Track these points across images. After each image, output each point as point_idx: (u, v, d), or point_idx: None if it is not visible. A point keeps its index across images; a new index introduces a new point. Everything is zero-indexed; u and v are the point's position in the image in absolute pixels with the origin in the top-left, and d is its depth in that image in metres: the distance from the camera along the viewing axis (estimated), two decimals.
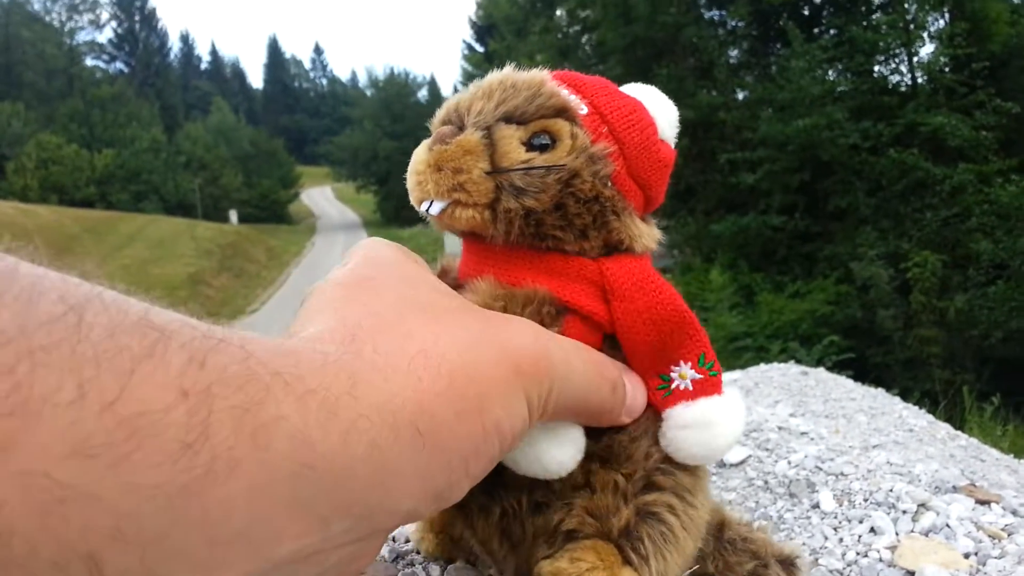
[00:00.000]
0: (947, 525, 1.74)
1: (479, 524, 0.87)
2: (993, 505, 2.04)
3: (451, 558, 1.00)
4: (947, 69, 15.14)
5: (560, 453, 0.78)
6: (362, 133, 46.21)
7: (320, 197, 61.52)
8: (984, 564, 1.59)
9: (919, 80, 16.14)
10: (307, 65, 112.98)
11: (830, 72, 16.37)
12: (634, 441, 0.84)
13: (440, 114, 0.89)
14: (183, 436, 0.34)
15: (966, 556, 1.61)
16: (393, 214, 40.86)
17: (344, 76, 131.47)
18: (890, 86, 16.53)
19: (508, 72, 0.90)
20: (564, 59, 25.32)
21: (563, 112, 0.85)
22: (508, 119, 0.84)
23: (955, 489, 2.05)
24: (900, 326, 12.94)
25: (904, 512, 1.87)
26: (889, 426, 4.12)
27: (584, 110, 0.88)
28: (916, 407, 5.12)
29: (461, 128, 0.84)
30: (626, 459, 0.84)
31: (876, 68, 16.85)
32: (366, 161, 44.72)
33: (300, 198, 57.48)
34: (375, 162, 43.50)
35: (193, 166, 48.71)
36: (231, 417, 0.36)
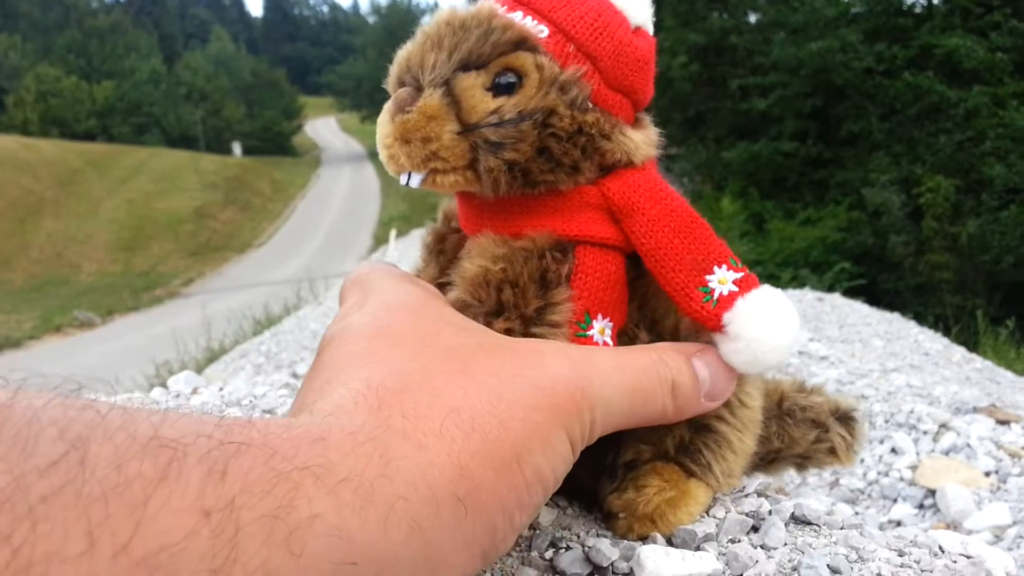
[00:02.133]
0: (968, 445, 1.73)
1: None
2: (1013, 425, 2.04)
3: None
4: None
5: None
6: (365, 62, 45.53)
7: (324, 128, 60.93)
8: (1005, 482, 1.59)
9: (934, 0, 15.76)
10: None
11: None
12: None
13: (392, 73, 0.83)
14: (209, 564, 0.32)
15: (987, 475, 1.60)
16: None
17: (345, 3, 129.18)
18: (905, 7, 16.14)
19: (452, 11, 0.83)
20: None
21: (522, 43, 0.79)
22: (465, 66, 0.78)
23: (975, 410, 2.04)
24: (912, 252, 12.90)
25: (925, 432, 1.86)
26: (905, 350, 4.12)
27: (544, 32, 0.81)
28: (931, 331, 5.12)
29: (419, 88, 0.78)
30: None
31: None
32: (370, 91, 44.13)
33: (304, 130, 56.98)
34: (380, 92, 42.47)
35: (194, 97, 48.21)
36: (261, 528, 0.34)
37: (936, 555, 0.80)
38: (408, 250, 6.30)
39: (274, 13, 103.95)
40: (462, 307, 0.78)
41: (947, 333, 5.63)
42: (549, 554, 0.79)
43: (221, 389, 1.52)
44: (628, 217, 0.80)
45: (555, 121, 0.77)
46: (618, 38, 0.84)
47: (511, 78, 0.78)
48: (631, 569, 0.73)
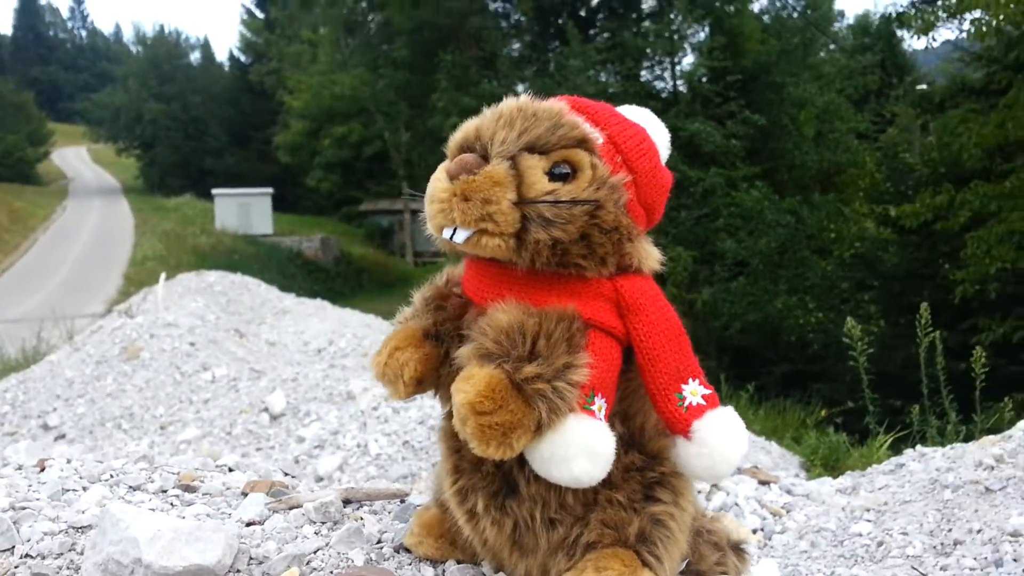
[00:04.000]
0: (736, 504, 1.96)
1: (492, 535, 0.94)
2: (772, 485, 2.30)
3: (446, 559, 1.07)
4: (705, 79, 16.35)
5: (594, 469, 0.85)
6: (125, 92, 42.82)
7: (74, 158, 56.42)
8: (770, 539, 1.82)
9: (680, 88, 17.32)
10: (64, 14, 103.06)
11: (602, 74, 17.21)
12: (627, 469, 0.92)
13: (457, 138, 0.94)
14: None
15: (754, 531, 1.83)
16: (158, 181, 38.20)
17: (107, 29, 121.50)
18: (655, 91, 17.62)
19: (527, 100, 0.95)
20: (350, 35, 24.86)
21: (583, 142, 0.91)
22: (531, 148, 0.89)
23: (740, 471, 2.29)
24: None
25: (700, 492, 2.07)
26: None
27: (600, 139, 0.93)
28: None
29: (485, 156, 0.89)
30: (622, 481, 0.92)
31: (643, 73, 17.92)
32: (129, 123, 41.49)
33: (51, 158, 52.46)
34: (139, 124, 40.41)
35: None
36: None
37: None
38: (179, 297, 5.99)
39: (24, 32, 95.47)
40: (483, 355, 0.87)
41: None
42: None
43: (69, 461, 1.47)
44: (634, 315, 0.92)
45: (602, 214, 0.89)
46: (654, 162, 0.98)
47: (566, 169, 0.89)
48: None
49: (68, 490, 1.30)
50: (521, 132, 0.89)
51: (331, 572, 1.04)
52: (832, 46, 20.44)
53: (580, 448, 0.83)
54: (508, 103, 0.95)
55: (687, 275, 13.75)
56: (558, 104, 0.93)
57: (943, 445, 3.09)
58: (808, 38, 17.03)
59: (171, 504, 1.29)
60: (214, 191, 27.17)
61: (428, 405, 2.81)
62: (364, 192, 31.08)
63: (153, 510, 1.24)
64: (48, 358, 5.26)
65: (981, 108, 10.73)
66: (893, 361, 8.56)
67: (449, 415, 0.97)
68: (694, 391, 0.92)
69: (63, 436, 4.08)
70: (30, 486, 1.32)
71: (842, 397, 7.84)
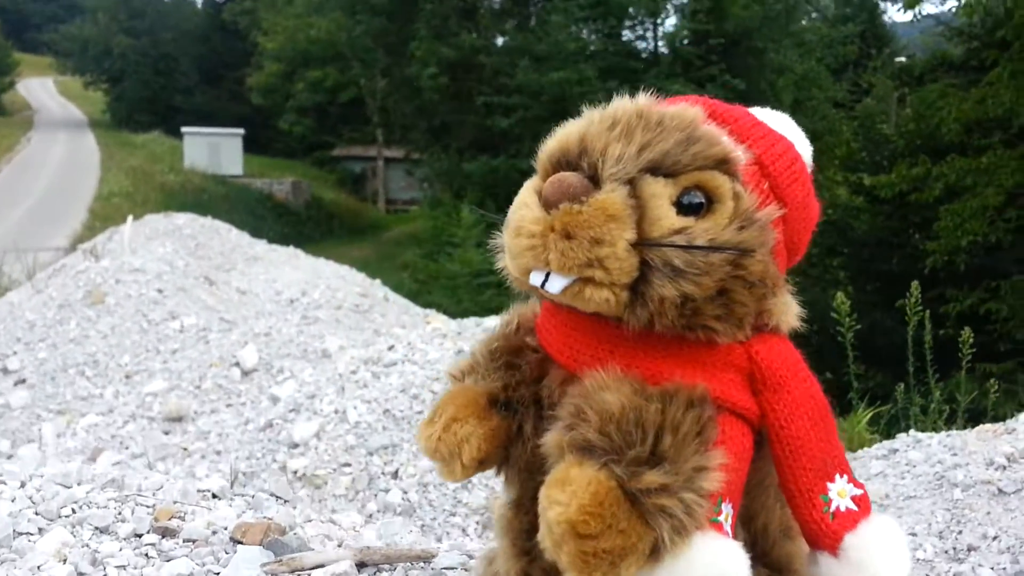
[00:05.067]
0: None
1: None
2: None
3: None
4: (687, 42, 16.21)
5: None
6: (95, 25, 41.71)
7: (40, 89, 54.91)
8: None
9: (661, 50, 17.18)
10: None
11: (584, 31, 17.02)
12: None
13: (553, 149, 0.71)
14: None
15: None
16: (125, 117, 37.28)
17: None
18: (636, 51, 17.47)
19: (648, 103, 0.71)
20: None
21: (723, 163, 0.67)
22: (655, 170, 0.65)
23: None
24: None
25: None
26: None
27: (744, 160, 0.69)
28: None
29: (593, 178, 0.65)
30: None
31: (625, 33, 17.75)
32: (97, 56, 40.35)
33: (16, 88, 51.05)
34: (108, 58, 39.37)
35: None
36: None
37: None
38: (147, 240, 5.81)
39: None
40: (584, 449, 0.65)
41: None
42: None
43: (23, 485, 1.25)
44: (773, 392, 0.70)
45: (748, 263, 0.66)
46: (807, 189, 0.75)
47: (700, 198, 0.65)
48: None
49: (21, 533, 1.09)
50: (643, 147, 0.65)
51: None
52: (815, 14, 20.40)
53: None
54: (623, 106, 0.71)
55: None
56: (691, 109, 0.69)
57: (927, 427, 3.07)
58: (791, 4, 16.97)
59: (147, 556, 1.08)
60: (184, 129, 26.57)
61: (409, 372, 2.71)
62: (337, 137, 30.68)
63: (123, 567, 1.05)
64: (8, 297, 5.08)
65: (960, 83, 10.75)
66: (861, 328, 8.63)
67: (517, 505, 0.80)
68: (842, 491, 0.70)
69: (23, 381, 3.94)
70: None
71: (810, 365, 7.91)
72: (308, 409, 2.62)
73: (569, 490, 0.63)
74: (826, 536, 0.69)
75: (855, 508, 0.70)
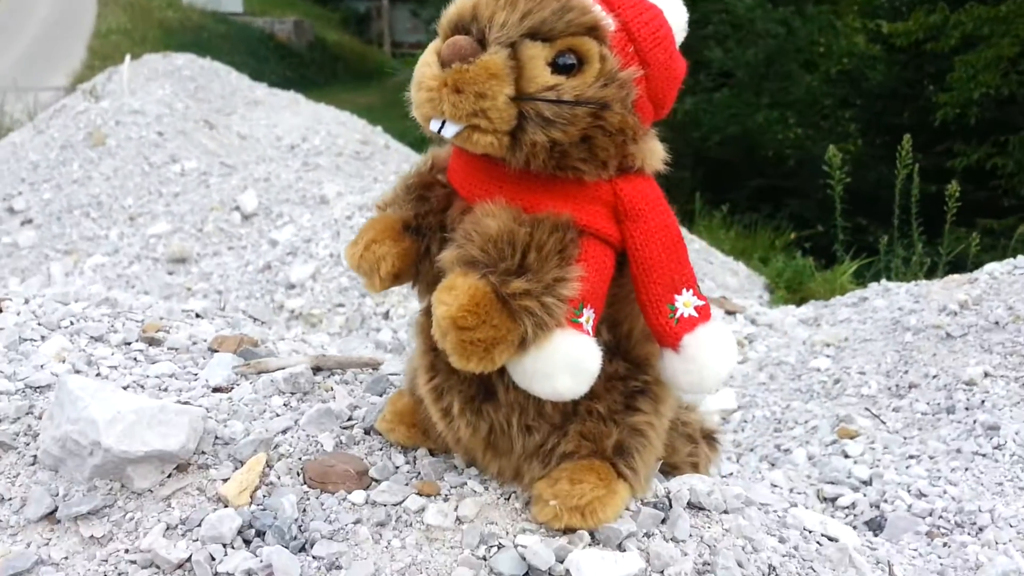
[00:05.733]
0: None
1: (466, 436, 0.91)
2: (738, 315, 2.33)
3: (418, 447, 1.03)
4: None
5: (577, 385, 0.82)
6: None
7: None
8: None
9: None
10: None
11: None
12: (610, 378, 0.89)
13: (451, 16, 0.82)
14: None
15: None
16: None
17: None
18: None
19: None
20: None
21: (593, 30, 0.80)
22: (534, 34, 0.78)
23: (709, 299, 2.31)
24: None
25: None
26: None
27: (612, 27, 0.82)
28: None
29: (481, 41, 0.78)
30: (604, 391, 0.89)
31: None
32: None
33: None
34: None
35: None
36: None
37: (806, 539, 0.99)
38: (146, 81, 5.74)
39: None
40: (468, 263, 0.80)
41: None
42: (481, 551, 0.86)
43: (27, 302, 1.36)
44: (632, 221, 0.85)
45: (607, 115, 0.80)
46: (670, 51, 0.87)
47: (572, 60, 0.79)
48: (566, 571, 0.83)
49: (25, 339, 1.24)
50: (524, 14, 0.78)
51: (300, 458, 1.01)
52: None
53: (565, 364, 0.80)
54: None
55: None
56: None
57: (908, 278, 3.16)
58: None
59: (134, 360, 1.23)
60: None
61: None
62: None
63: (115, 367, 1.19)
64: (10, 138, 5.10)
65: None
66: (867, 181, 8.60)
67: (426, 311, 0.93)
68: (687, 302, 0.87)
69: (30, 221, 4.03)
70: None
71: (812, 215, 7.96)
72: (305, 252, 2.70)
73: (453, 294, 0.79)
74: (669, 336, 0.86)
75: (696, 316, 0.87)
